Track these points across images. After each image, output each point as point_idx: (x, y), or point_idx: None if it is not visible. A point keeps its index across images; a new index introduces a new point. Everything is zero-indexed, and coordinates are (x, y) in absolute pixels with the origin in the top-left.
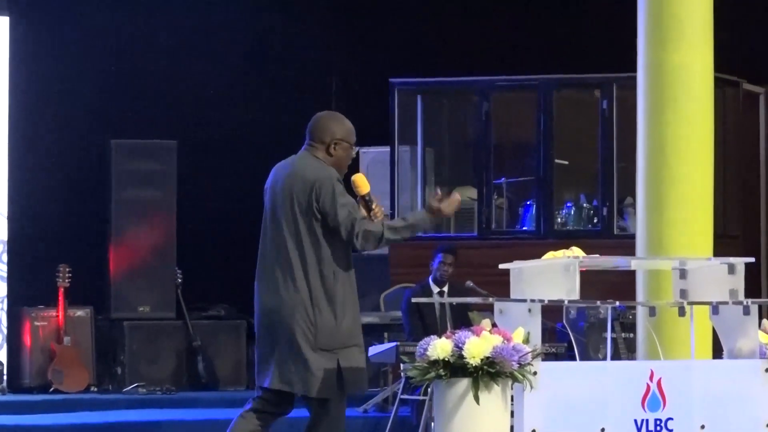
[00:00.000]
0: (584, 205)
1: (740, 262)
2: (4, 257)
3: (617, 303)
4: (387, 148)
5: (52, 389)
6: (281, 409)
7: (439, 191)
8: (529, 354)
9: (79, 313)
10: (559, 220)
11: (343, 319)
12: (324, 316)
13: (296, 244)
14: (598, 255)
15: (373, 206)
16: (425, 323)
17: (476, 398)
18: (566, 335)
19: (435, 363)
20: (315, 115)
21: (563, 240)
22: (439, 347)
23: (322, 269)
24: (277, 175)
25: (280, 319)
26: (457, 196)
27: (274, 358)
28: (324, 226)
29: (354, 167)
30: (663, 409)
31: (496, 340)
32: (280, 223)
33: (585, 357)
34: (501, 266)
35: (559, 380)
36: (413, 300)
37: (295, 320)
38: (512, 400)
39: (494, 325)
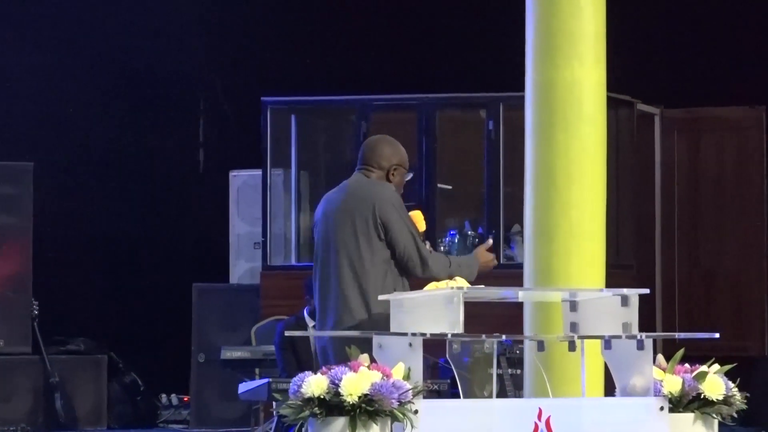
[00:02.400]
0: (469, 232)
1: (634, 293)
2: None
3: (503, 337)
4: (259, 171)
5: None
6: None
7: (491, 241)
8: (410, 391)
9: None
10: (442, 248)
11: None
12: None
13: (357, 265)
14: (483, 286)
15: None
16: (299, 358)
17: None
18: (449, 371)
19: (309, 401)
20: (369, 139)
21: None
22: (314, 384)
23: (384, 292)
24: (331, 201)
25: (338, 351)
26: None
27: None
28: (389, 247)
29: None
30: None
31: (375, 376)
32: (338, 249)
33: (469, 394)
34: (380, 297)
35: (442, 419)
36: (287, 333)
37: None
38: None
39: (373, 360)
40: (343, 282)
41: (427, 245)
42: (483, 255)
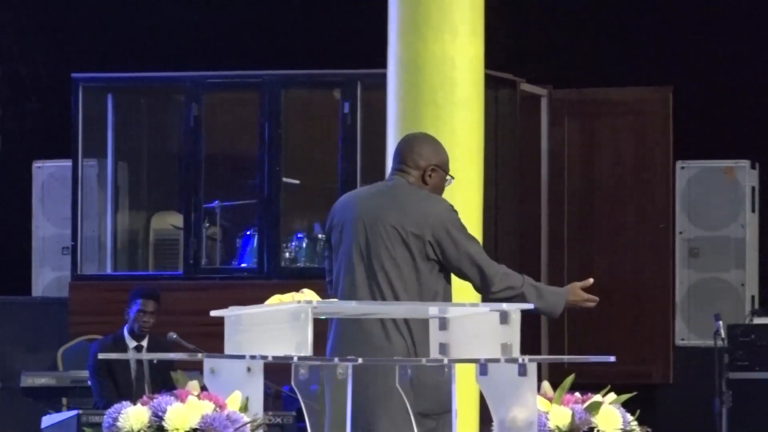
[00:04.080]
0: (319, 236)
1: (515, 309)
2: None
3: (359, 360)
4: (68, 162)
5: None
6: None
7: (591, 280)
8: (248, 425)
9: None
10: (287, 254)
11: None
12: (428, 374)
13: (402, 285)
14: (336, 299)
15: None
16: (118, 386)
17: None
18: (295, 401)
19: None
20: (406, 135)
21: (292, 280)
22: (133, 416)
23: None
24: (368, 207)
25: (373, 377)
26: (593, 297)
27: (360, 424)
28: (442, 267)
29: (26, 185)
30: None
31: (206, 407)
32: (380, 263)
33: (318, 429)
34: (213, 313)
35: None
36: (101, 356)
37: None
38: None
39: (204, 388)
40: (382, 296)
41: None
42: (575, 292)
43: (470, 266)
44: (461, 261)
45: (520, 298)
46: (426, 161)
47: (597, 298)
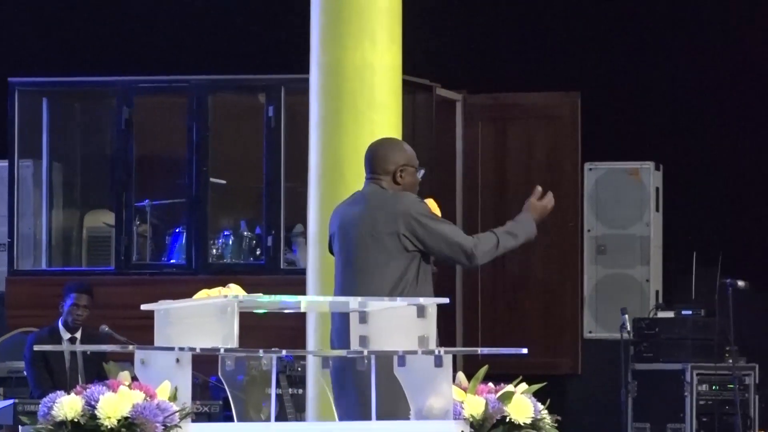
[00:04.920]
0: (245, 233)
1: (431, 303)
2: None
3: (283, 352)
4: (5, 163)
5: None
6: None
7: (539, 188)
8: (177, 414)
9: None
10: (214, 251)
11: None
12: None
13: (381, 285)
14: (261, 294)
15: None
16: (53, 376)
17: None
18: (222, 391)
19: (61, 425)
20: (371, 144)
21: (219, 275)
22: (67, 406)
23: None
24: (347, 216)
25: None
26: (551, 195)
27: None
28: (421, 258)
29: None
30: None
31: (137, 396)
32: (360, 267)
33: (244, 417)
34: (143, 307)
35: None
36: (36, 348)
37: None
38: None
39: (135, 378)
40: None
41: None
42: (535, 207)
43: (448, 246)
44: (439, 244)
45: (502, 250)
46: (394, 164)
47: (551, 197)
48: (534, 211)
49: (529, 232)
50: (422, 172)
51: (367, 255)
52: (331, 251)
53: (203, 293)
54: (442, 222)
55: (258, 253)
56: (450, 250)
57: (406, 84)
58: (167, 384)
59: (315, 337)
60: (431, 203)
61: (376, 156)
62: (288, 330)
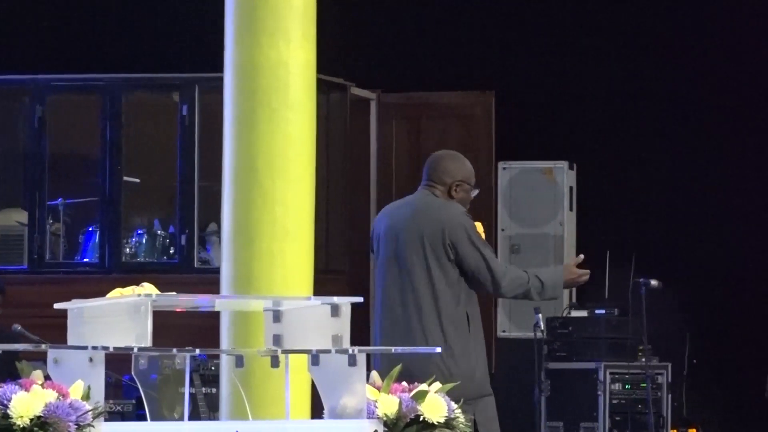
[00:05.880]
0: (159, 232)
1: (346, 302)
2: None
3: (197, 351)
4: None
5: None
6: None
7: (582, 257)
8: (90, 413)
9: None
10: (127, 250)
11: (476, 367)
12: (460, 365)
13: (429, 288)
14: (175, 293)
15: None
16: None
17: None
18: (135, 390)
19: None
20: (434, 154)
21: (133, 274)
22: None
23: (456, 314)
24: (396, 218)
25: (411, 372)
26: (588, 272)
27: None
28: (459, 268)
29: None
30: None
31: (50, 395)
32: (408, 268)
33: (157, 416)
34: (56, 306)
35: None
36: None
37: (429, 371)
38: None
39: (47, 377)
40: (416, 305)
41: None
42: (571, 270)
43: (484, 271)
44: (478, 265)
45: (531, 290)
46: (451, 178)
47: (589, 272)
48: (567, 273)
49: (556, 285)
50: (476, 191)
51: (416, 257)
52: (372, 250)
53: (116, 292)
54: (486, 245)
55: (172, 251)
56: (481, 275)
57: (320, 83)
58: (80, 383)
59: (228, 335)
60: (478, 226)
61: (438, 165)
62: (203, 329)
